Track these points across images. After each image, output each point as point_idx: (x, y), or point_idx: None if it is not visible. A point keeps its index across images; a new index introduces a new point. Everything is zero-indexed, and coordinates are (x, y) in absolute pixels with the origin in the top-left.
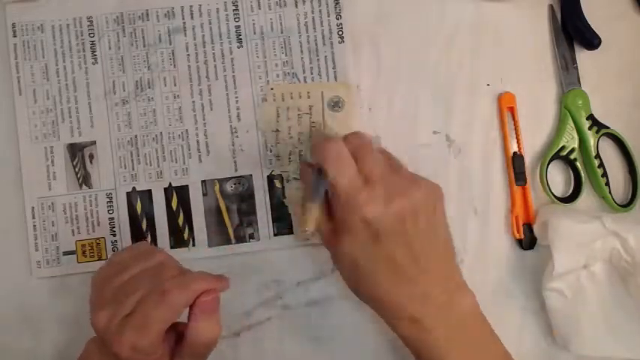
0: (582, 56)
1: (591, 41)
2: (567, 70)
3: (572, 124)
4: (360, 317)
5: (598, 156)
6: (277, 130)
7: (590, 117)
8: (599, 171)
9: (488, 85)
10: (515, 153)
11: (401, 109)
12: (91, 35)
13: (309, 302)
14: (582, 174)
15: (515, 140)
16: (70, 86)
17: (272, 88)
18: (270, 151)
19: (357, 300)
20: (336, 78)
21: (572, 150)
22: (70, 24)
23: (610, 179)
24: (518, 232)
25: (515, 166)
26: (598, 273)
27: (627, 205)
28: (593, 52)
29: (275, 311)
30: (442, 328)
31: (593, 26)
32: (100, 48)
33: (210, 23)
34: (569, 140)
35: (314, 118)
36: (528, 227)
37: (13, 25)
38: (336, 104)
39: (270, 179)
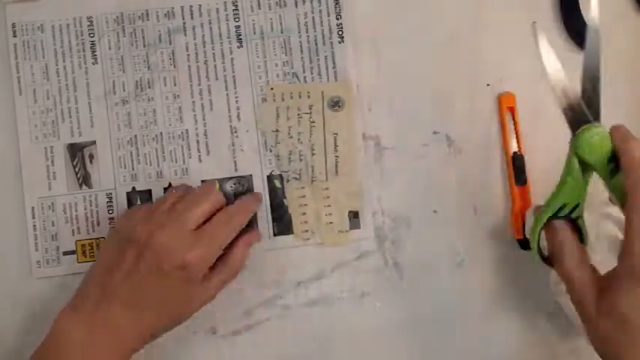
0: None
1: None
2: None
3: None
4: (359, 317)
5: None
6: (277, 130)
7: None
8: None
9: (488, 85)
10: (515, 153)
11: (401, 109)
12: (91, 35)
13: (309, 302)
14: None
15: (515, 140)
16: (70, 86)
17: (272, 88)
18: (270, 151)
19: (356, 300)
20: (336, 78)
21: None
22: (70, 24)
23: None
24: (518, 232)
25: (515, 166)
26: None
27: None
28: None
29: (275, 311)
30: None
31: None
32: (100, 48)
33: (210, 23)
34: None
35: (314, 118)
36: None
37: (13, 25)
38: (336, 104)
39: (270, 179)
